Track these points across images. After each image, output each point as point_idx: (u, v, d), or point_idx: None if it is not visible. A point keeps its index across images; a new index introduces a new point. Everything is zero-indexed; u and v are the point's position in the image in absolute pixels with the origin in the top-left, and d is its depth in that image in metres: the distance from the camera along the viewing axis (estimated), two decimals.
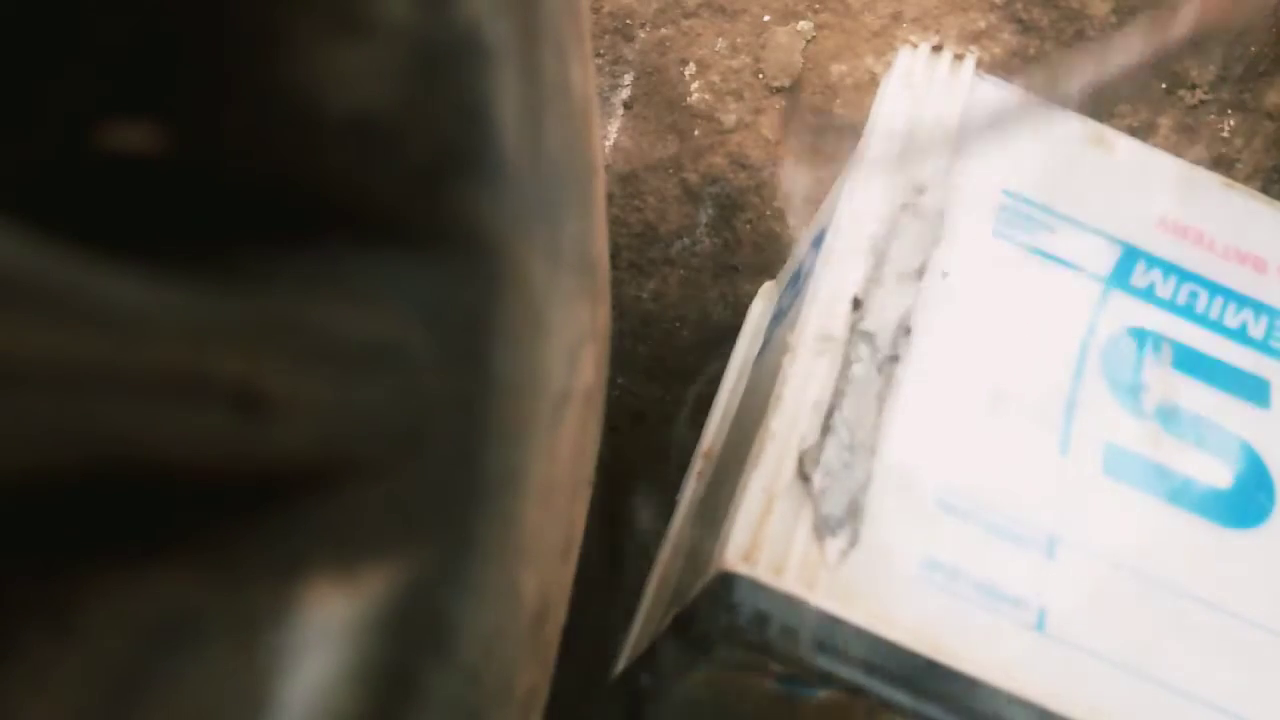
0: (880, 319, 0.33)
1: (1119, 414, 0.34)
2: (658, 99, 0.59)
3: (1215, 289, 0.37)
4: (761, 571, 0.28)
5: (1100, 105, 0.60)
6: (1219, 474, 0.33)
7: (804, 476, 0.30)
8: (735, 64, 0.60)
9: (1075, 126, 0.39)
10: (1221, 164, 0.59)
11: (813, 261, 0.38)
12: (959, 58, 0.39)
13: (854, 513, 0.30)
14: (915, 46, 0.39)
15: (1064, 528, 0.31)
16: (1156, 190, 0.38)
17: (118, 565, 0.16)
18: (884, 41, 0.61)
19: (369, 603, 0.17)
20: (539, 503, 0.19)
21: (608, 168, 0.57)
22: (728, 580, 0.28)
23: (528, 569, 0.19)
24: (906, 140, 0.37)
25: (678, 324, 0.55)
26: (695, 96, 0.59)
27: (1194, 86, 0.61)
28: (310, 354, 0.17)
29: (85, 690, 0.15)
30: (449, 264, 0.18)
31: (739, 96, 0.60)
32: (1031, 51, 0.61)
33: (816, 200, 0.58)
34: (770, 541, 0.29)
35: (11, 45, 0.16)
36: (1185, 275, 0.37)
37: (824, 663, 0.28)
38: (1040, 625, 0.30)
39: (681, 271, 0.56)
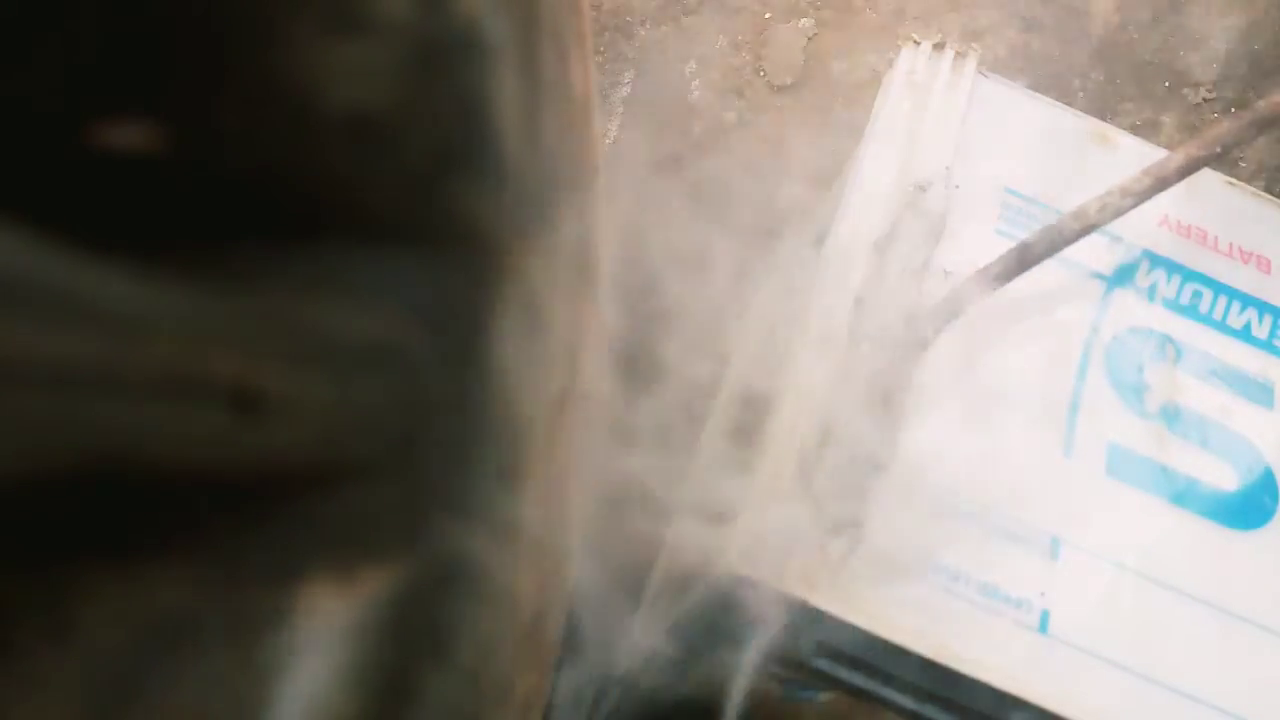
0: (882, 318, 0.33)
1: (1122, 414, 0.34)
2: (658, 97, 0.59)
3: (1219, 288, 0.37)
4: (763, 573, 0.28)
5: (1103, 103, 0.60)
6: (1223, 475, 0.33)
7: (805, 478, 0.30)
8: (736, 62, 0.60)
9: (1078, 124, 0.39)
10: (1225, 163, 0.59)
11: (815, 260, 0.38)
12: (961, 55, 0.39)
13: (856, 514, 0.30)
14: (917, 44, 0.39)
15: (1067, 529, 0.31)
16: (1160, 189, 0.38)
17: (116, 566, 0.16)
18: (886, 39, 0.61)
19: (367, 605, 0.17)
20: (538, 504, 0.19)
21: (607, 166, 0.57)
22: (728, 582, 0.28)
23: (526, 571, 0.19)
24: (909, 138, 0.37)
25: (678, 324, 0.55)
26: (696, 94, 0.59)
27: (1197, 84, 0.61)
28: (308, 354, 0.17)
29: (82, 690, 0.15)
30: (447, 263, 0.18)
31: (740, 94, 0.59)
32: (1034, 49, 0.61)
33: (819, 199, 0.58)
34: (771, 543, 0.29)
35: (8, 44, 0.15)
36: (1189, 275, 0.37)
37: (826, 665, 0.28)
38: (1043, 627, 0.30)
39: (682, 270, 0.56)
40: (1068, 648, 0.30)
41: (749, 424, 0.37)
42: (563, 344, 0.19)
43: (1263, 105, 0.32)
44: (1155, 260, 0.37)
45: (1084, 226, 0.33)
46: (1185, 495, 0.33)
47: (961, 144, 0.37)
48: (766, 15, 0.61)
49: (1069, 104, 0.40)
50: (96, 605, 0.15)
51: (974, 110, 0.38)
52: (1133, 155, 0.38)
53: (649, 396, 0.50)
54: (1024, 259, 0.33)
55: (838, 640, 0.28)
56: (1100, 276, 0.36)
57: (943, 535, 0.30)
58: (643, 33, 0.60)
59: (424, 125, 0.17)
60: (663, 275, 0.56)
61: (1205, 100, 0.60)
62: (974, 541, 0.30)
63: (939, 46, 0.39)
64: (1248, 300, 0.37)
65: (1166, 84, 0.61)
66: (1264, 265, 0.38)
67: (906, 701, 0.28)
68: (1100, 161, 0.38)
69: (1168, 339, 0.35)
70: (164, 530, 0.16)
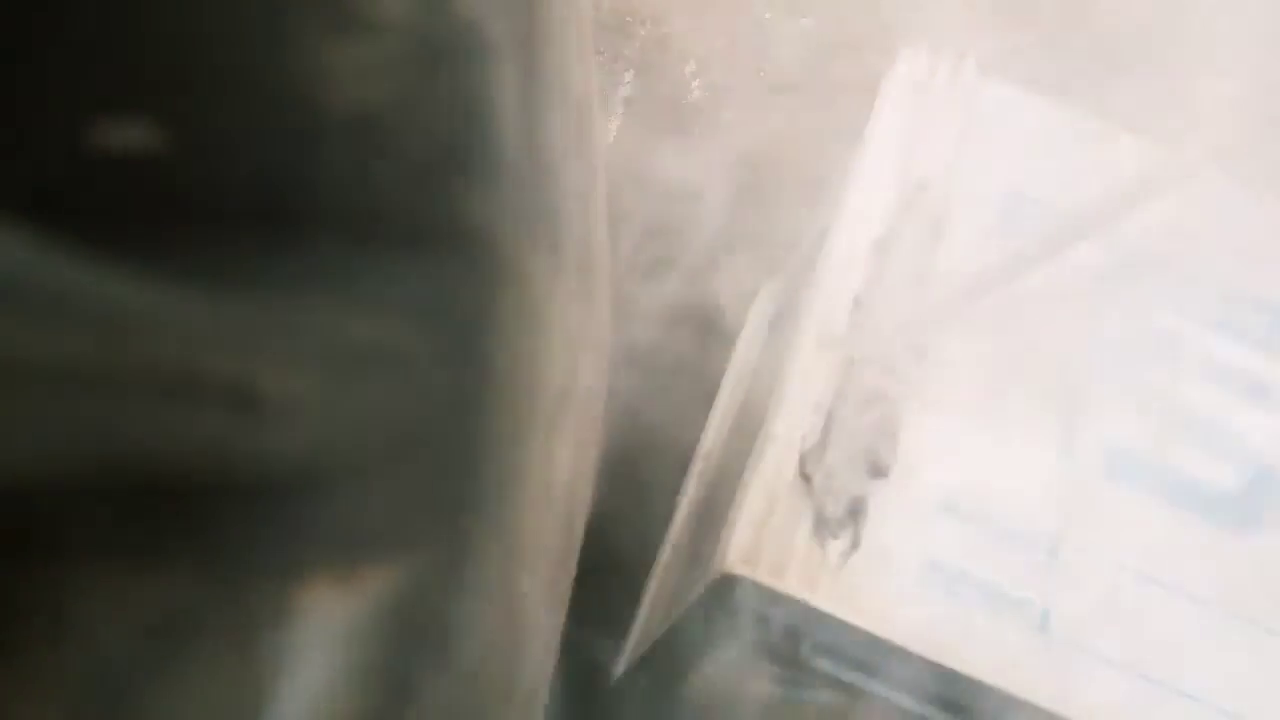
0: (882, 319, 0.33)
1: (1122, 415, 0.34)
2: (658, 97, 0.59)
3: (1219, 288, 0.37)
4: (763, 573, 0.28)
5: (1104, 103, 0.59)
6: (1223, 475, 0.33)
7: (805, 478, 0.30)
8: (736, 62, 0.60)
9: (1078, 124, 0.39)
10: (1225, 163, 0.59)
11: (814, 261, 0.38)
12: (962, 56, 0.39)
13: (856, 514, 0.30)
14: (918, 44, 0.39)
15: (1067, 529, 0.31)
16: (1160, 189, 0.38)
17: (116, 565, 0.16)
18: (886, 39, 0.61)
19: (367, 604, 0.17)
20: (538, 504, 0.19)
21: (607, 166, 0.57)
22: (729, 582, 0.28)
23: (527, 570, 0.19)
24: (909, 138, 0.37)
25: (678, 324, 0.55)
26: (696, 94, 0.59)
27: (1198, 85, 0.61)
28: (307, 354, 0.17)
29: (83, 690, 0.15)
30: (448, 263, 0.18)
31: (740, 94, 0.59)
32: (1035, 49, 0.61)
33: (819, 199, 0.58)
34: (771, 543, 0.29)
35: (8, 45, 0.16)
36: (1189, 275, 0.37)
37: (825, 665, 0.28)
38: (1043, 627, 0.30)
39: (682, 271, 0.56)
40: (1068, 647, 0.30)
41: (747, 424, 0.37)
42: (563, 344, 0.19)
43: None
44: (1156, 260, 0.37)
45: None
46: (1185, 495, 0.33)
47: (961, 144, 0.37)
48: (767, 15, 0.61)
49: (1069, 104, 0.40)
50: (96, 605, 0.15)
51: (974, 110, 0.38)
52: (1133, 155, 0.38)
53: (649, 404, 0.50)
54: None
55: (838, 640, 0.28)
56: (1101, 276, 0.36)
57: (942, 535, 0.30)
58: (643, 33, 0.60)
59: (424, 125, 0.17)
60: (664, 274, 0.56)
61: (1206, 101, 0.60)
62: (973, 542, 0.30)
63: (939, 47, 0.39)
64: (1248, 300, 0.37)
65: (1166, 84, 0.61)
66: (1265, 265, 0.38)
67: (906, 701, 0.28)
68: (1100, 161, 0.38)
69: (1168, 339, 0.35)
70: (164, 530, 0.16)
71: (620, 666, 0.41)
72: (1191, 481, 0.33)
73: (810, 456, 0.30)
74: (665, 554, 0.45)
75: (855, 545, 0.30)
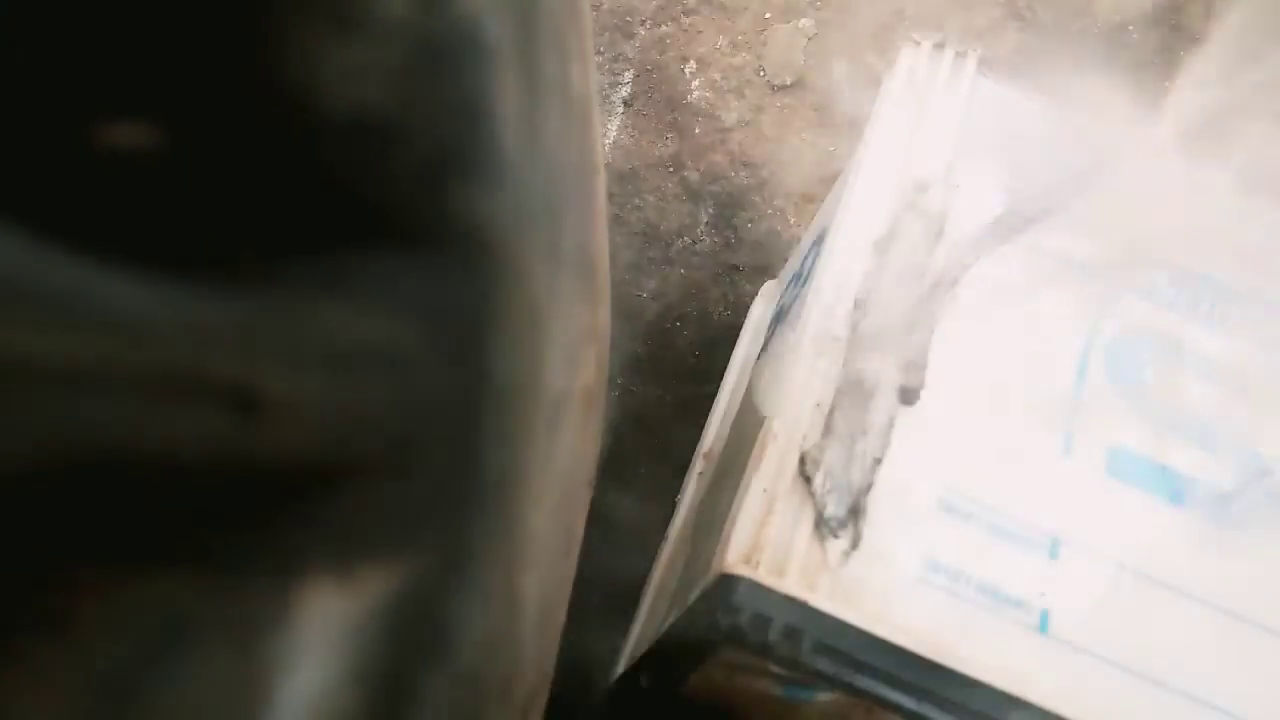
0: (882, 319, 0.33)
1: (1122, 415, 0.34)
2: (658, 97, 0.59)
3: (1219, 289, 0.37)
4: (762, 573, 0.28)
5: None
6: (1223, 475, 0.33)
7: (805, 477, 0.30)
8: (736, 61, 0.60)
9: (1078, 124, 0.39)
10: (1223, 163, 0.59)
11: (814, 261, 0.38)
12: (961, 55, 0.39)
13: (856, 514, 0.30)
14: (918, 44, 0.39)
15: (1067, 529, 0.31)
16: (1161, 189, 0.38)
17: (116, 567, 0.16)
18: (886, 39, 0.61)
19: (368, 604, 0.17)
20: (538, 504, 0.19)
21: (607, 166, 0.57)
22: (729, 582, 0.28)
23: (527, 570, 0.19)
24: (909, 138, 0.37)
25: (678, 324, 0.55)
26: (696, 94, 0.59)
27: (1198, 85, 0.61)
28: (308, 355, 0.17)
29: (83, 691, 0.15)
30: (448, 264, 0.18)
31: (740, 94, 0.59)
32: (1034, 49, 0.61)
33: (818, 198, 0.58)
34: (771, 543, 0.29)
35: (11, 46, 0.15)
36: (1189, 275, 0.37)
37: (825, 665, 0.28)
38: (1043, 627, 0.30)
39: (681, 271, 0.56)
40: (1068, 648, 0.30)
41: (747, 424, 0.37)
42: (563, 344, 0.19)
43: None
44: (1156, 260, 0.37)
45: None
46: (1185, 495, 0.33)
47: (961, 144, 0.37)
48: (766, 15, 0.61)
49: (1069, 104, 0.40)
50: (96, 605, 0.15)
51: (974, 110, 0.38)
52: (1133, 155, 0.38)
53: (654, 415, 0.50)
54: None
55: (838, 640, 0.28)
56: (1100, 276, 0.36)
57: (942, 535, 0.30)
58: (643, 32, 0.60)
59: (424, 126, 0.17)
60: (664, 274, 0.56)
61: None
62: (973, 542, 0.30)
63: (939, 46, 0.39)
64: (1248, 301, 0.37)
65: (1166, 84, 0.61)
66: (1264, 266, 0.38)
67: (906, 701, 0.28)
68: (1100, 161, 0.38)
69: (1168, 339, 0.35)
70: (164, 530, 0.16)
71: (620, 666, 0.41)
72: (1192, 481, 0.33)
73: (811, 456, 0.30)
74: (665, 554, 0.45)
75: (855, 545, 0.30)
